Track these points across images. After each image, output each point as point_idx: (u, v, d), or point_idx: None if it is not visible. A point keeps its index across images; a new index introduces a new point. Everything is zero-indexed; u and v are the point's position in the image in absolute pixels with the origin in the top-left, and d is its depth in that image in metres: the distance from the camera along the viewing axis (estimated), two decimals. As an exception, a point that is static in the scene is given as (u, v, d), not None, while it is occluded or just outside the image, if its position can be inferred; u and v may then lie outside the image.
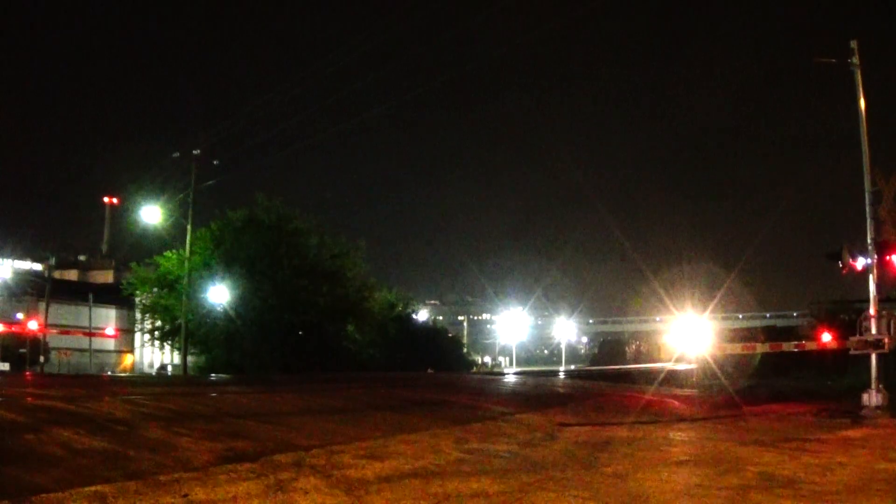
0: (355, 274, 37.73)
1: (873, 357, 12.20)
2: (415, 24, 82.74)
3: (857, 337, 12.44)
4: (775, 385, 20.02)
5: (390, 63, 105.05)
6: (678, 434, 9.18)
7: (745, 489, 5.42)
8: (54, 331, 37.53)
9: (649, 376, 27.09)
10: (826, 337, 14.15)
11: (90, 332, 38.08)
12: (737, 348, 18.69)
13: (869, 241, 12.59)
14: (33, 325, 34.96)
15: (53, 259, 47.11)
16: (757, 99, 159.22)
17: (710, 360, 21.65)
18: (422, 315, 66.77)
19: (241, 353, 31.64)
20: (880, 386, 12.09)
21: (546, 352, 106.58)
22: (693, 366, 25.44)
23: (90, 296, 39.23)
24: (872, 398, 12.01)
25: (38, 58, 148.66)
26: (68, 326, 38.97)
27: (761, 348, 17.65)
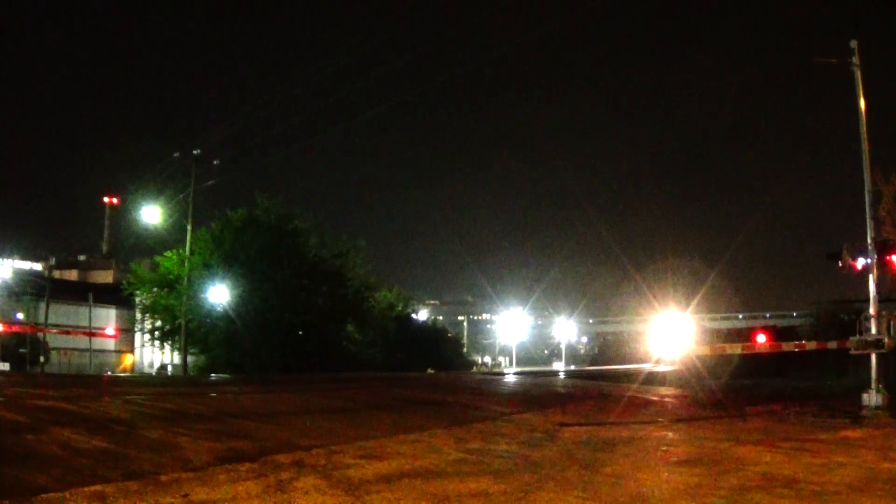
0: (355, 274, 37.76)
1: (873, 357, 12.20)
2: (415, 24, 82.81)
3: (857, 337, 12.44)
4: (773, 385, 20.02)
5: (390, 63, 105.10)
6: (677, 434, 9.18)
7: (745, 489, 5.42)
8: (54, 331, 37.50)
9: (648, 376, 27.10)
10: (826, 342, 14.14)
11: (90, 332, 38.03)
12: (736, 348, 18.68)
13: (869, 241, 12.59)
14: (33, 325, 34.95)
15: (53, 259, 47.13)
16: (757, 99, 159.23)
17: (695, 361, 21.23)
18: (422, 315, 66.85)
19: (241, 353, 31.64)
20: (880, 386, 12.08)
21: (546, 352, 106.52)
22: (674, 367, 25.13)
23: (90, 296, 39.20)
24: (872, 398, 12.01)
25: (39, 57, 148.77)
26: (68, 326, 38.93)
27: (761, 348, 17.63)
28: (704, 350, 17.51)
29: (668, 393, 18.40)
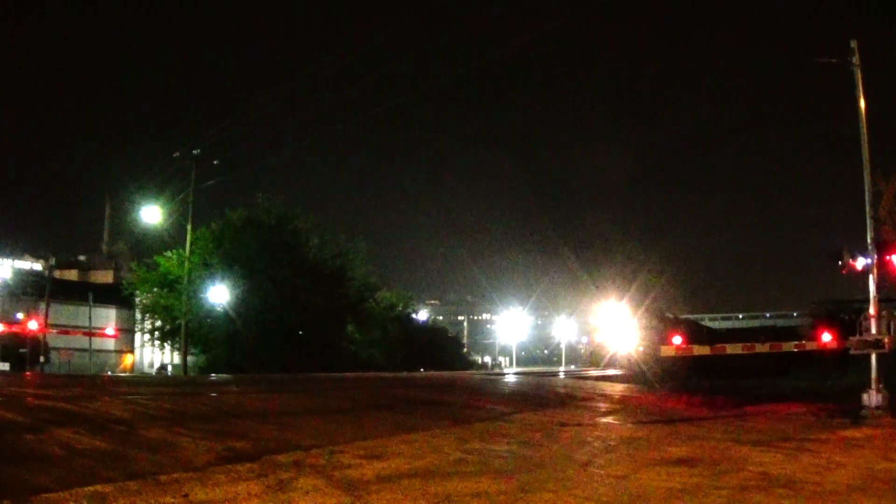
0: (355, 274, 37.80)
1: (873, 357, 12.19)
2: (415, 23, 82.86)
3: (857, 337, 12.43)
4: (773, 385, 20.00)
5: (391, 63, 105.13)
6: (677, 434, 9.17)
7: (745, 489, 5.42)
8: (54, 331, 37.51)
9: (646, 377, 27.03)
10: (826, 337, 14.15)
11: (90, 332, 38.09)
12: (737, 348, 18.62)
13: (869, 241, 12.58)
14: (33, 325, 34.97)
15: (53, 259, 47.11)
16: (757, 99, 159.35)
17: (641, 362, 20.41)
18: (422, 315, 66.88)
19: (242, 353, 31.68)
20: (880, 386, 12.08)
21: (546, 352, 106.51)
22: (621, 371, 24.58)
23: (90, 296, 39.24)
24: (872, 398, 12.00)
25: (39, 57, 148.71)
26: (68, 326, 38.95)
27: (761, 348, 17.60)
28: (704, 350, 17.42)
29: (666, 393, 18.41)
